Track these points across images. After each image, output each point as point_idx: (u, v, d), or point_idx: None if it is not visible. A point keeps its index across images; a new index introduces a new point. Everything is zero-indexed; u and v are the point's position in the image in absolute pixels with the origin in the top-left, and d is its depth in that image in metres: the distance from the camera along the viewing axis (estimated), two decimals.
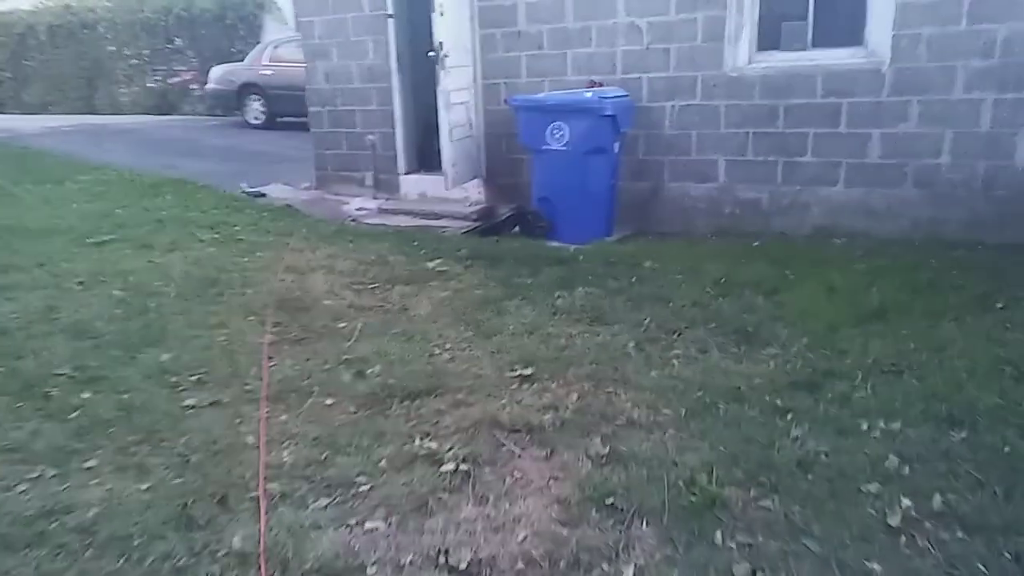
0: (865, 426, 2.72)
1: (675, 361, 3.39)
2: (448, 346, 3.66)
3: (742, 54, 5.75)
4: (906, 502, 2.25)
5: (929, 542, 2.10)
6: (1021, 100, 4.87)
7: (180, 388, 3.18)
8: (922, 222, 5.34)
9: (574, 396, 3.05)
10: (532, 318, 3.99)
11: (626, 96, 5.93)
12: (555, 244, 5.73)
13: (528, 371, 3.29)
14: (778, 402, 2.94)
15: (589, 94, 5.76)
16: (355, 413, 2.96)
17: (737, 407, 2.91)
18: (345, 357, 3.53)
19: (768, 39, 5.73)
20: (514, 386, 3.17)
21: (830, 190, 5.63)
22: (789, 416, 2.83)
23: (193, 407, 3.01)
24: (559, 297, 4.32)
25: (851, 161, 5.51)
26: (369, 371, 3.35)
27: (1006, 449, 2.55)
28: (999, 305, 3.92)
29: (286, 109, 12.33)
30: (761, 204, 5.91)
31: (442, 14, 6.03)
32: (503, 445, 2.68)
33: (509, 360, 3.43)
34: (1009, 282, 4.24)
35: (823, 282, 4.38)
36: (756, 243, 5.55)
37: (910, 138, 5.27)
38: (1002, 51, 4.86)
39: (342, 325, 3.98)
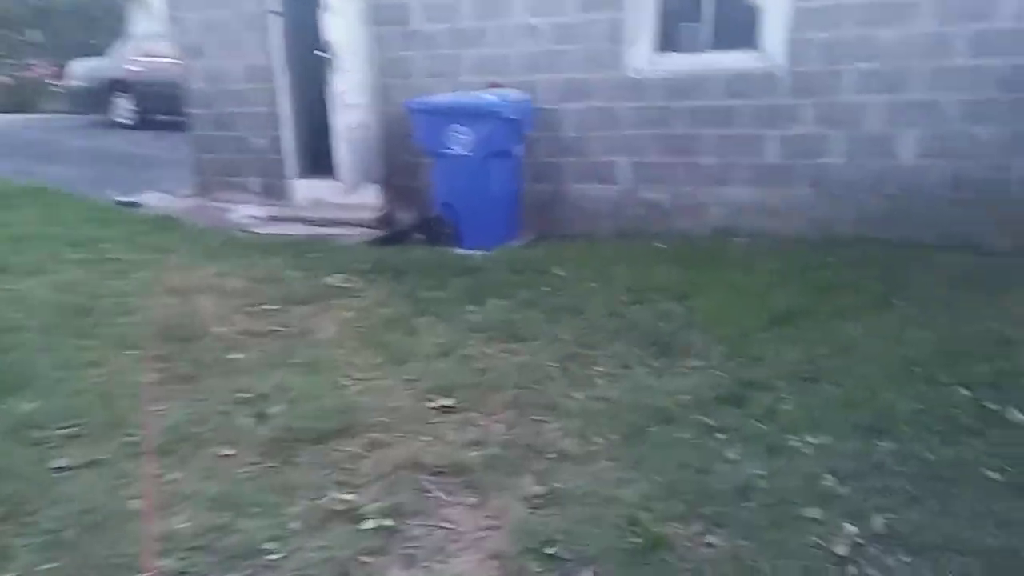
0: (795, 442, 2.68)
1: (599, 380, 3.27)
2: (358, 375, 3.39)
3: (642, 56, 5.72)
4: (849, 527, 2.21)
5: (877, 570, 2.06)
6: (905, 101, 5.07)
7: (48, 445, 2.76)
8: (818, 220, 5.49)
9: (500, 427, 2.87)
10: (446, 337, 3.78)
11: (527, 98, 5.79)
12: (461, 251, 5.53)
13: (448, 401, 3.08)
14: (707, 420, 2.87)
15: (490, 96, 5.58)
16: (258, 464, 2.66)
17: (668, 429, 2.81)
18: (242, 395, 3.19)
19: (667, 41, 5.73)
20: (435, 419, 2.95)
21: (730, 190, 5.70)
22: (720, 435, 2.76)
23: (65, 469, 2.61)
24: (471, 312, 4.13)
25: (749, 162, 5.60)
26: (271, 411, 3.04)
27: (932, 457, 2.58)
28: (897, 304, 4.04)
29: (159, 108, 11.47)
30: (663, 205, 5.92)
31: (330, 10, 5.68)
32: (428, 492, 2.47)
33: (426, 389, 3.20)
34: (902, 280, 4.40)
35: (730, 285, 4.40)
36: (661, 245, 5.55)
37: (805, 139, 5.41)
38: (887, 55, 5.04)
39: (237, 356, 3.62)
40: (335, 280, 4.73)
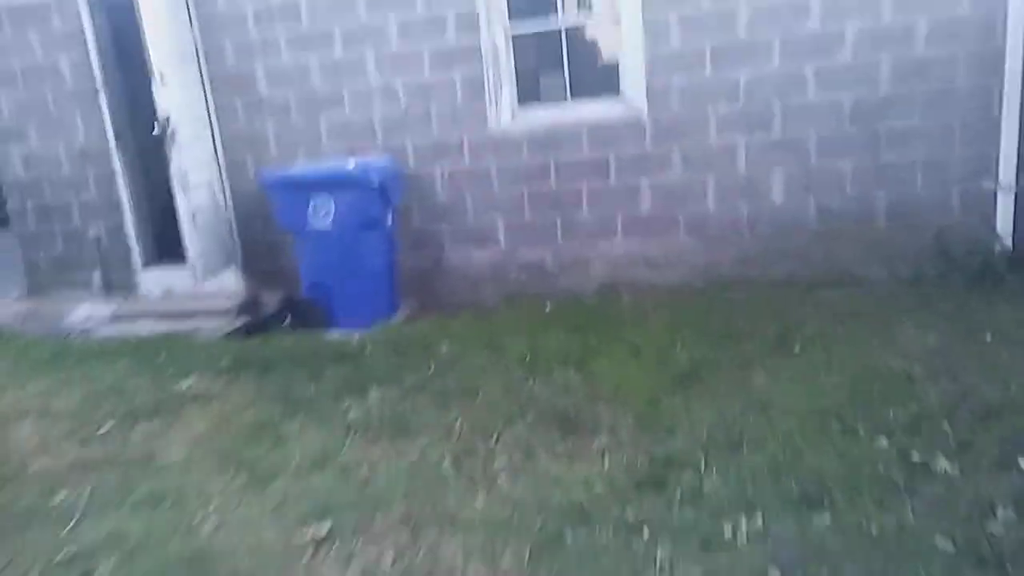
0: (730, 530, 2.38)
1: (501, 477, 2.87)
2: (213, 506, 2.82)
3: (505, 111, 5.53)
4: None
5: None
6: (769, 141, 5.11)
7: None
8: (699, 267, 5.40)
9: (389, 557, 2.40)
10: (321, 443, 3.27)
11: (392, 163, 5.43)
12: (335, 335, 5.02)
13: (324, 528, 2.58)
14: (628, 514, 2.52)
15: (351, 165, 5.18)
16: None
17: (585, 532, 2.44)
18: (65, 551, 2.57)
19: (530, 94, 5.57)
20: (308, 556, 2.44)
21: (609, 244, 5.54)
22: (645, 532, 2.42)
23: None
24: (350, 406, 3.64)
25: (625, 213, 5.47)
26: (100, 570, 2.43)
27: (874, 531, 2.34)
28: (796, 349, 3.91)
29: None
30: (545, 264, 5.68)
31: (164, 83, 5.14)
32: None
33: (298, 515, 2.69)
34: (795, 321, 4.31)
35: (626, 345, 4.15)
36: (547, 307, 5.29)
37: (676, 186, 5.33)
38: (745, 96, 5.07)
39: (60, 499, 2.96)
40: (188, 384, 4.12)
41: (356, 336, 4.83)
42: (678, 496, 2.60)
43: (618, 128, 5.34)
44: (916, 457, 2.76)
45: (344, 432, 3.36)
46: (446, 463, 2.99)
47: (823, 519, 2.41)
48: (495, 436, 3.21)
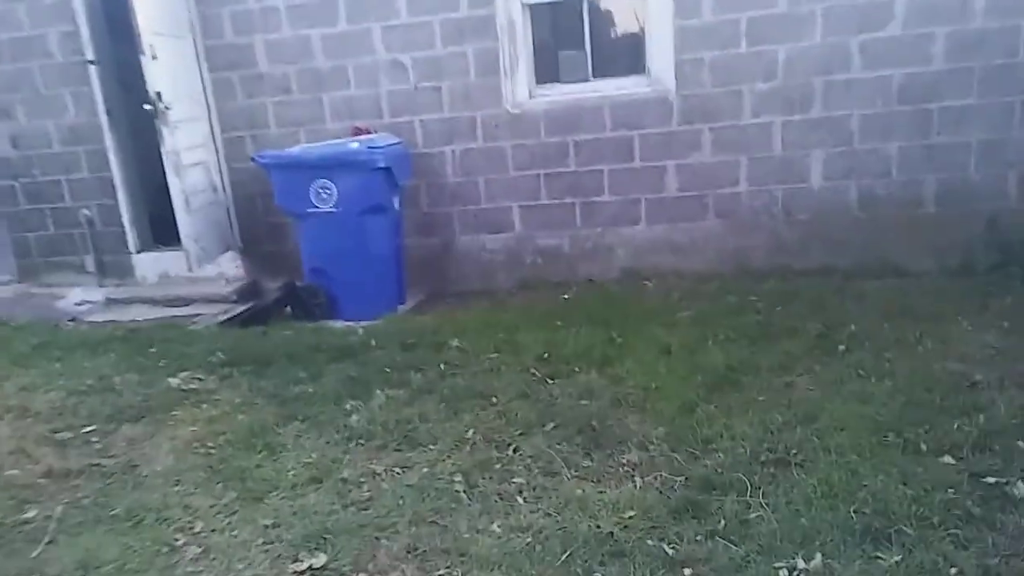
0: (785, 573, 2.05)
1: (519, 497, 2.55)
2: (198, 528, 2.52)
3: (521, 88, 5.16)
4: None
5: None
6: (808, 121, 4.73)
7: None
8: (727, 253, 5.06)
9: None
10: (319, 453, 2.96)
11: (399, 143, 5.08)
12: (338, 325, 4.71)
13: (319, 559, 2.27)
14: (666, 548, 2.20)
15: (356, 144, 4.84)
16: None
17: (618, 569, 2.12)
18: None
19: (548, 71, 5.20)
20: None
21: (633, 229, 5.19)
22: (687, 572, 2.09)
23: None
24: (353, 410, 3.32)
25: (650, 196, 5.12)
26: None
27: (952, 571, 2.01)
28: (841, 347, 3.57)
29: None
30: (563, 250, 5.34)
31: (155, 57, 4.80)
32: None
33: (291, 541, 2.38)
34: (837, 317, 3.96)
35: (654, 342, 3.81)
36: (565, 295, 4.96)
37: (706, 168, 4.97)
38: (784, 72, 4.69)
39: (30, 515, 2.68)
40: (179, 380, 3.82)
41: (360, 328, 4.51)
42: (721, 526, 2.27)
43: (643, 106, 4.97)
44: (990, 480, 2.43)
45: (345, 440, 3.05)
46: (457, 480, 2.67)
47: (891, 558, 2.08)
48: (512, 448, 2.88)
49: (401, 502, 2.55)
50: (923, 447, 2.63)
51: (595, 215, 5.22)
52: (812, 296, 4.32)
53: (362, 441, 3.03)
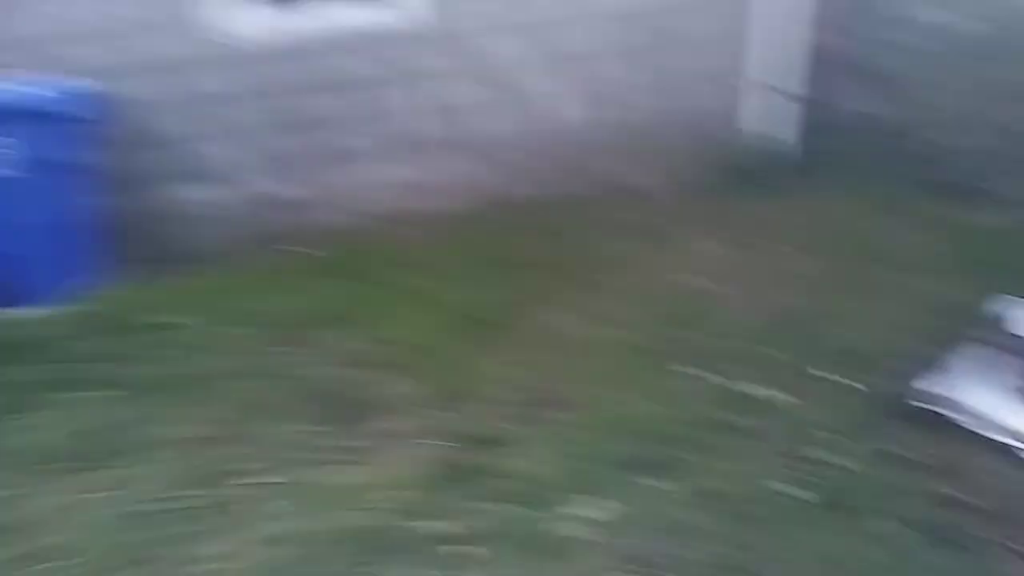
0: (567, 526, 1.81)
1: (267, 505, 2.04)
2: None
3: (239, 15, 4.37)
4: None
5: None
6: (562, 54, 4.62)
7: None
8: (483, 192, 4.81)
9: None
10: None
11: (94, 85, 4.07)
12: (17, 314, 3.72)
13: None
14: (446, 524, 1.86)
15: (32, 87, 3.78)
16: None
17: (400, 564, 1.74)
18: None
19: None
20: None
21: (381, 171, 4.73)
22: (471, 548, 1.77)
23: None
24: (24, 426, 2.53)
25: (400, 138, 4.70)
26: None
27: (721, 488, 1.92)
28: (596, 276, 3.50)
29: None
30: (303, 201, 4.72)
31: None
32: None
33: None
34: (589, 244, 3.96)
35: (411, 292, 3.48)
36: (309, 253, 4.39)
37: (458, 106, 4.66)
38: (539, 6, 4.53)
39: None
40: None
41: (48, 315, 3.59)
42: (501, 485, 2.00)
43: (390, 39, 4.49)
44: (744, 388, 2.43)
45: (13, 467, 2.29)
46: (195, 494, 2.08)
47: (670, 484, 1.95)
48: (262, 440, 2.35)
49: (95, 541, 1.91)
50: (679, 366, 2.61)
51: (335, 159, 4.68)
52: (566, 227, 4.28)
53: (42, 464, 2.29)
